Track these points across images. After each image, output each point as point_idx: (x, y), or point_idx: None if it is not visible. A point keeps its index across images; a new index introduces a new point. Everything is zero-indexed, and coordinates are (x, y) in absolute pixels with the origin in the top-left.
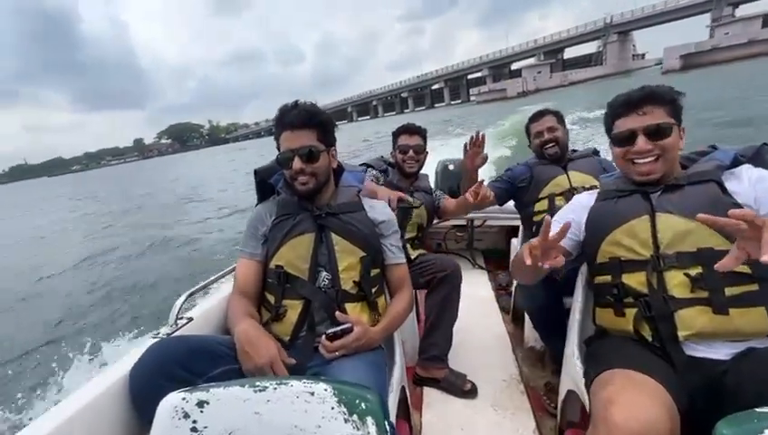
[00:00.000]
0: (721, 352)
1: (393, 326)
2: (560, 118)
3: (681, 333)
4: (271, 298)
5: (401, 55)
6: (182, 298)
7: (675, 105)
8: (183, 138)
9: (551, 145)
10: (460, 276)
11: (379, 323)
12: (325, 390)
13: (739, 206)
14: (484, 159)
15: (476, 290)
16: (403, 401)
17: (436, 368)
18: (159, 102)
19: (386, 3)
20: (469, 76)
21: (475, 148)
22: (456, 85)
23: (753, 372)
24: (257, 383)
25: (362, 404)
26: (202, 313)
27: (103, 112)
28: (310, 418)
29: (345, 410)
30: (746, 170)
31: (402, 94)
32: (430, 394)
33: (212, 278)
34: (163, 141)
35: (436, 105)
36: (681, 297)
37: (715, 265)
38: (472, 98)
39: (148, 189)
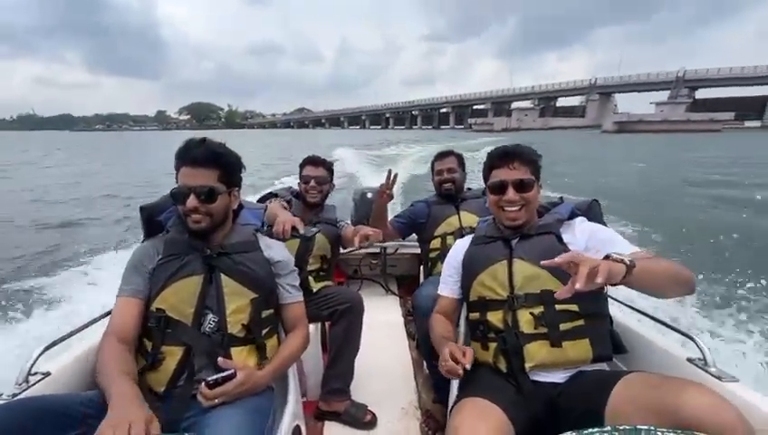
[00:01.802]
0: (557, 376)
1: (283, 367)
2: (460, 161)
3: (527, 365)
4: (148, 344)
5: (418, 72)
6: (38, 351)
7: (536, 164)
8: (201, 117)
9: (447, 184)
10: (362, 308)
11: (267, 366)
12: None
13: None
14: (391, 197)
15: (387, 316)
16: None
17: (337, 401)
18: (174, 77)
19: (415, 21)
20: (474, 107)
21: (387, 185)
22: (462, 112)
23: (580, 393)
24: None
25: None
26: (63, 365)
27: (116, 78)
28: None
29: None
30: (579, 223)
31: (413, 112)
32: (331, 428)
33: (78, 326)
34: (182, 117)
35: (442, 127)
36: (528, 333)
37: (555, 294)
38: (472, 126)
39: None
